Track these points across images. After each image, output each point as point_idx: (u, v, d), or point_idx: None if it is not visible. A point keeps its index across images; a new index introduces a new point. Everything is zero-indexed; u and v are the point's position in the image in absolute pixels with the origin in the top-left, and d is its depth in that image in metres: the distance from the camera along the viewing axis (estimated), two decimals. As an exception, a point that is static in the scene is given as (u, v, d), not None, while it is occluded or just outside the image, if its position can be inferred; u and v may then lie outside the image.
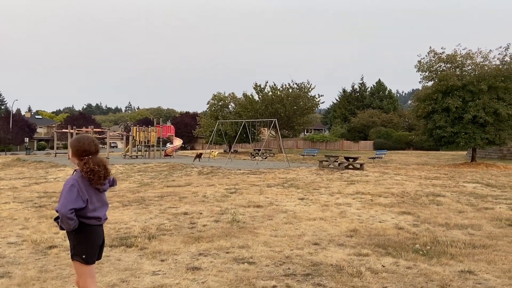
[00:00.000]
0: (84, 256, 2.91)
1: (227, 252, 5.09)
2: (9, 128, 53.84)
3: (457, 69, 21.61)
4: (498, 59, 21.34)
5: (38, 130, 73.08)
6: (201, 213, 7.70)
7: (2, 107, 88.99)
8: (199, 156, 24.85)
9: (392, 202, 9.09)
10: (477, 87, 20.06)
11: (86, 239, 2.93)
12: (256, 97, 40.41)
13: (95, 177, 2.89)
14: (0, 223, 6.83)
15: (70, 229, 2.84)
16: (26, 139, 57.61)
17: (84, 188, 2.87)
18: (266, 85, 40.53)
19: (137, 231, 6.21)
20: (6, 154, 42.06)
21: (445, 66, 21.93)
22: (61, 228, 2.93)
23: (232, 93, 43.80)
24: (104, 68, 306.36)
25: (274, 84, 40.50)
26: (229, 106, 43.70)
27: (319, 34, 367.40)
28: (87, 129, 30.22)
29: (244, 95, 41.11)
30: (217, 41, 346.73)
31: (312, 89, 40.33)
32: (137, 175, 15.93)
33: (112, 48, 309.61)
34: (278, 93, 39.40)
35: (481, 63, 21.42)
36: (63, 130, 35.66)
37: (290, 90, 39.66)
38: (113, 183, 3.21)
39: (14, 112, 65.82)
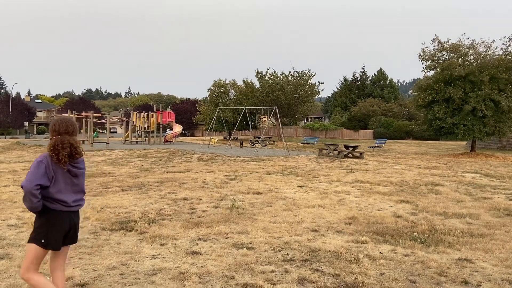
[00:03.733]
0: (43, 241, 2.77)
1: (226, 238, 5.13)
2: (9, 111, 53.65)
3: (460, 59, 21.45)
4: (501, 49, 21.16)
5: (38, 114, 72.83)
6: (200, 199, 7.74)
7: (2, 91, 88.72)
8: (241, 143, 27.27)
9: (391, 190, 9.13)
10: (479, 78, 19.93)
11: (48, 224, 2.78)
12: (257, 84, 40.20)
13: (55, 155, 2.77)
14: (0, 206, 6.86)
15: (33, 208, 2.71)
16: (26, 123, 57.52)
17: (52, 167, 2.77)
18: (267, 72, 40.30)
19: (137, 215, 6.24)
20: (5, 138, 42.06)
21: (448, 55, 21.77)
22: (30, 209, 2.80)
23: (233, 80, 43.64)
24: (104, 52, 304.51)
25: (274, 72, 40.24)
26: (230, 93, 43.54)
27: (321, 22, 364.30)
28: (86, 114, 30.15)
29: (245, 82, 40.91)
30: (218, 30, 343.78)
31: (312, 76, 40.05)
32: (137, 160, 15.95)
33: (112, 33, 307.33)
34: (278, 80, 39.13)
35: (483, 53, 21.25)
36: (63, 115, 35.58)
37: (290, 78, 39.35)
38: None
39: (13, 96, 65.43)
